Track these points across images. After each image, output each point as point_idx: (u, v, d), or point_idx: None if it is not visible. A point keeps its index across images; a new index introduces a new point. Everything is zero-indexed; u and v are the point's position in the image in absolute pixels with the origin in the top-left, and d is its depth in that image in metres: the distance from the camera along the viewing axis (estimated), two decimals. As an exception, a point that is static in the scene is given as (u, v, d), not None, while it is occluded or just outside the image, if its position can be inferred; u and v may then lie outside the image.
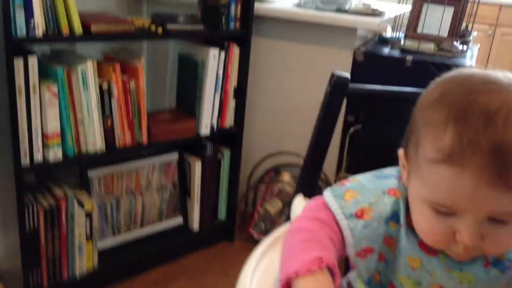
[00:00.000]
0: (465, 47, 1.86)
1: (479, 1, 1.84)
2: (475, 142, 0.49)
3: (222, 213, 1.89)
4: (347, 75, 0.88)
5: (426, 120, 0.54)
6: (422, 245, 0.58)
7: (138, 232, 1.69)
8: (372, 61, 1.73)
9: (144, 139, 1.54)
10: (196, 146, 1.76)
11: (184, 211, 1.79)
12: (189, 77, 1.66)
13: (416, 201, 0.57)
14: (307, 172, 0.92)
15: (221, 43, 1.66)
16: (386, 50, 1.79)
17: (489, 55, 3.62)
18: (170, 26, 1.52)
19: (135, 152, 1.63)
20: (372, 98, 0.87)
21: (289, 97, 1.88)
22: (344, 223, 0.61)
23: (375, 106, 0.87)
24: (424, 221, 0.55)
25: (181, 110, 1.72)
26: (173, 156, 1.71)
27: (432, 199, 0.53)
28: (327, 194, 0.64)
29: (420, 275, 0.59)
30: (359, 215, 0.60)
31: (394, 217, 0.60)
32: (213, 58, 1.62)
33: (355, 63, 1.76)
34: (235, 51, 1.70)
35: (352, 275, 0.67)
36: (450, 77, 0.56)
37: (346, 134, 1.70)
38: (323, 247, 0.58)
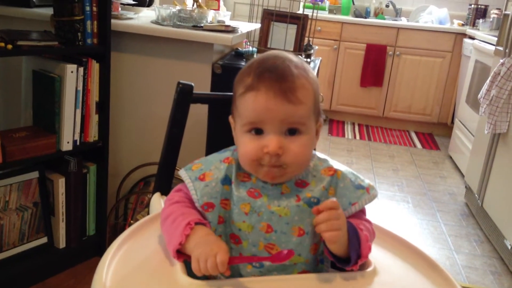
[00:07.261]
0: (308, 59, 2.13)
1: (316, 21, 2.12)
2: (265, 75, 0.73)
3: (90, 229, 1.87)
4: (191, 84, 0.99)
5: (239, 81, 0.77)
6: (250, 193, 0.78)
7: (-2, 256, 1.60)
8: (229, 73, 1.88)
9: (-1, 158, 1.48)
10: (59, 163, 1.73)
11: (48, 231, 1.73)
12: (46, 93, 1.63)
13: (239, 135, 0.78)
14: (162, 172, 1.01)
15: (80, 59, 1.67)
16: (242, 63, 1.96)
17: (336, 65, 4.10)
18: (21, 42, 1.49)
19: (-10, 173, 1.55)
20: (213, 102, 0.99)
21: (152, 110, 1.95)
22: (190, 185, 0.79)
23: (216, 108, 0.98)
24: (244, 146, 0.76)
25: (40, 127, 1.68)
26: (33, 175, 1.66)
27: (245, 121, 0.75)
28: (181, 170, 0.83)
29: (251, 218, 0.77)
30: (202, 178, 0.80)
31: (226, 179, 0.79)
32: (71, 74, 1.62)
33: (214, 76, 1.90)
34: (94, 66, 1.71)
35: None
36: (255, 57, 0.80)
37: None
38: (186, 215, 0.77)
